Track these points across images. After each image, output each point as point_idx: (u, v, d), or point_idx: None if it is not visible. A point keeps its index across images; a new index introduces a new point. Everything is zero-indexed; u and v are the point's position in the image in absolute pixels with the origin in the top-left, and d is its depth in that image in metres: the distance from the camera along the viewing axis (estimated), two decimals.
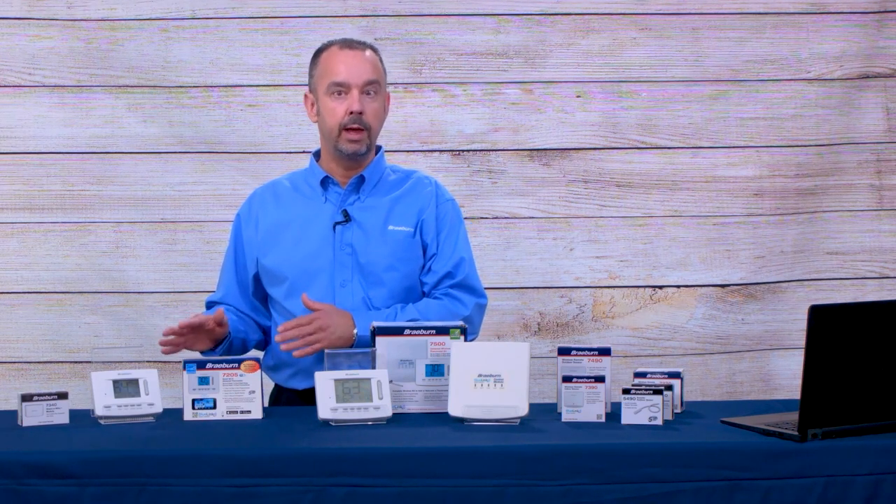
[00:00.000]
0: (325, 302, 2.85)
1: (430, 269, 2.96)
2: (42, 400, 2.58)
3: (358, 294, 2.90)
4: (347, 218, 2.92)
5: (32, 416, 2.56)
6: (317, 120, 2.95)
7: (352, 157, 2.91)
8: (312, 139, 3.76)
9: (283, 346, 2.78)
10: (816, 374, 2.31)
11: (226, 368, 2.62)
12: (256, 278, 3.00)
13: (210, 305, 3.06)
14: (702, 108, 3.82)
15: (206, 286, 3.74)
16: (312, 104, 2.96)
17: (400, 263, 2.93)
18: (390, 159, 3.09)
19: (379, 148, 3.00)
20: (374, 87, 2.89)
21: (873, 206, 3.85)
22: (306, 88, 2.98)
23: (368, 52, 2.92)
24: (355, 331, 2.81)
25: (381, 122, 2.95)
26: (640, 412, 2.49)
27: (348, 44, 2.93)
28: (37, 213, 3.75)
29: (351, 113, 2.86)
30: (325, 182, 2.95)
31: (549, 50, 3.80)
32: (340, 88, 2.87)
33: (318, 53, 2.96)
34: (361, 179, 2.95)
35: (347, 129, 2.87)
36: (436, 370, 2.65)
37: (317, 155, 3.01)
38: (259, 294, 3.02)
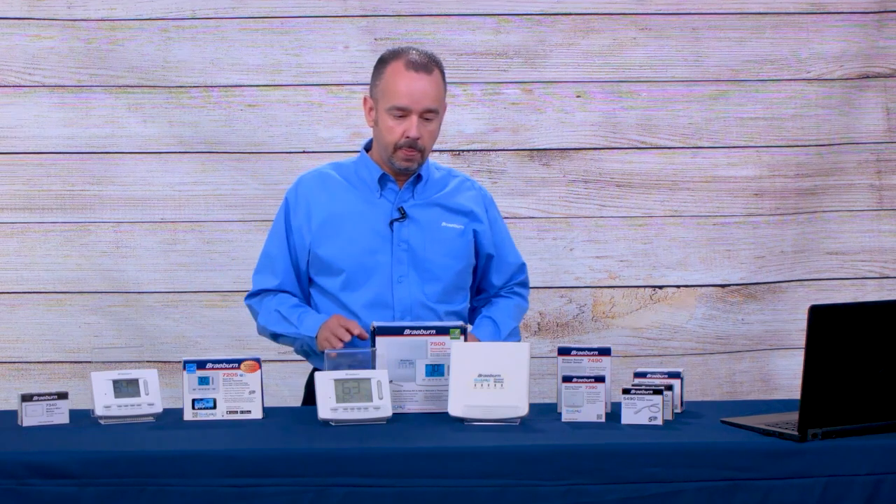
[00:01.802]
0: (384, 297, 2.90)
1: (497, 269, 3.06)
2: (42, 400, 2.57)
3: (415, 289, 2.93)
4: (404, 215, 2.94)
5: (32, 416, 2.56)
6: (373, 126, 2.95)
7: (403, 172, 2.94)
8: (312, 139, 3.77)
9: None
10: (816, 374, 2.31)
11: (226, 368, 2.62)
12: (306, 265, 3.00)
13: (258, 294, 3.00)
14: (702, 108, 3.82)
15: (206, 286, 3.75)
16: (371, 109, 2.94)
17: (454, 260, 2.98)
18: None
19: None
20: (433, 114, 2.90)
21: (873, 206, 3.85)
22: (366, 91, 2.94)
23: (434, 75, 2.89)
24: None
25: (434, 140, 2.96)
26: (640, 412, 2.49)
27: (414, 65, 2.87)
28: (37, 213, 3.75)
29: (407, 137, 2.88)
30: (383, 179, 2.96)
31: (549, 50, 3.80)
32: (401, 113, 2.88)
33: (384, 62, 2.92)
34: (418, 178, 2.97)
35: (402, 148, 2.89)
36: (436, 370, 2.65)
37: (366, 145, 3.02)
38: (307, 281, 3.02)
